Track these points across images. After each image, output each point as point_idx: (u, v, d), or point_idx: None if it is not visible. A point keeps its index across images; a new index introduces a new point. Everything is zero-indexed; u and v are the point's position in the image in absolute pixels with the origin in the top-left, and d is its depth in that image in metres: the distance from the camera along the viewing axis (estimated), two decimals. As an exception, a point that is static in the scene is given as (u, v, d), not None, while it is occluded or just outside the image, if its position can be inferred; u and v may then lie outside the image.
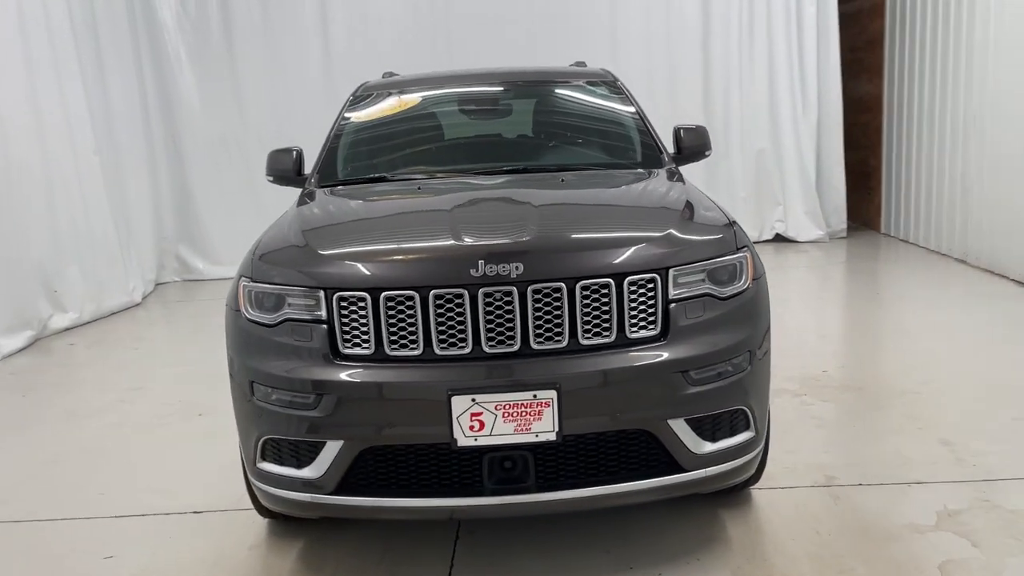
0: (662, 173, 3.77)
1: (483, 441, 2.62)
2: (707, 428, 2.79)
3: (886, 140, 9.45)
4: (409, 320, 2.68)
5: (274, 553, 3.23)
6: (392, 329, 2.69)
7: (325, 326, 2.73)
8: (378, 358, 2.69)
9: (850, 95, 9.58)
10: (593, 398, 2.65)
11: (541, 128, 4.31)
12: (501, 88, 4.53)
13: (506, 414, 2.61)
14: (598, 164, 4.00)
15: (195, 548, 3.30)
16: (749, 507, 3.37)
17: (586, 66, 5.01)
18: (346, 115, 4.32)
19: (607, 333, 2.70)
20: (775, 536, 3.15)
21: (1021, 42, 6.72)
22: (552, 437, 2.63)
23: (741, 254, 2.92)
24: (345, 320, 2.72)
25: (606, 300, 2.70)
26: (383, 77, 4.89)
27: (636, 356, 2.69)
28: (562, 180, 3.64)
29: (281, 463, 2.84)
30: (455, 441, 2.62)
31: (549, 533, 3.22)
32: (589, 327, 2.69)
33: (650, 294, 2.74)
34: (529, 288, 2.67)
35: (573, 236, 2.94)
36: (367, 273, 2.74)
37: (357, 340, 2.71)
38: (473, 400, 2.59)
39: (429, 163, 4.15)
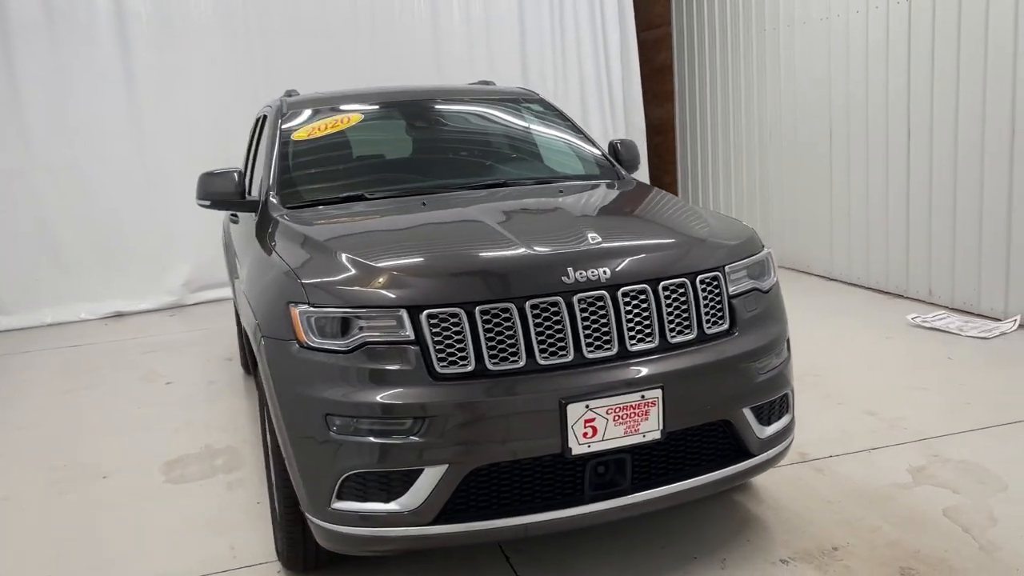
0: (633, 183, 3.95)
1: (596, 447, 2.62)
2: (765, 413, 2.99)
3: (679, 159, 10.38)
4: (508, 332, 2.62)
5: (319, 604, 2.98)
6: (491, 343, 2.61)
7: (416, 346, 2.58)
8: (479, 374, 2.59)
9: (646, 119, 10.41)
10: (691, 394, 2.75)
11: (498, 144, 4.34)
12: (448, 106, 4.48)
13: (616, 417, 2.63)
14: (567, 176, 4.09)
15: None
16: (758, 490, 3.61)
17: (495, 84, 5.08)
18: (286, 133, 4.06)
19: (688, 331, 2.82)
20: (797, 510, 3.41)
21: (802, 64, 7.74)
22: (657, 436, 2.69)
23: (767, 251, 3.17)
24: (438, 338, 2.59)
25: (683, 299, 2.82)
26: (286, 95, 4.64)
27: (720, 350, 2.83)
28: (560, 191, 3.69)
29: (365, 499, 2.63)
30: (569, 450, 2.59)
31: (600, 539, 3.24)
32: (673, 326, 2.79)
33: (716, 291, 2.90)
34: (619, 292, 2.72)
35: (646, 240, 3.03)
36: (457, 288, 2.64)
37: (453, 357, 2.59)
38: (587, 407, 2.59)
39: (399, 181, 4.01)
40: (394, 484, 2.60)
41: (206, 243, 8.78)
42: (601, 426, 2.61)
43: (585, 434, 2.60)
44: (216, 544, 3.45)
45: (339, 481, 2.62)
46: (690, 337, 2.81)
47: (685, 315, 2.82)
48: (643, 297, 2.75)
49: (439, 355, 2.59)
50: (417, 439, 2.54)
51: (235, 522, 3.64)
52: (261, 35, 8.77)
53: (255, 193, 4.00)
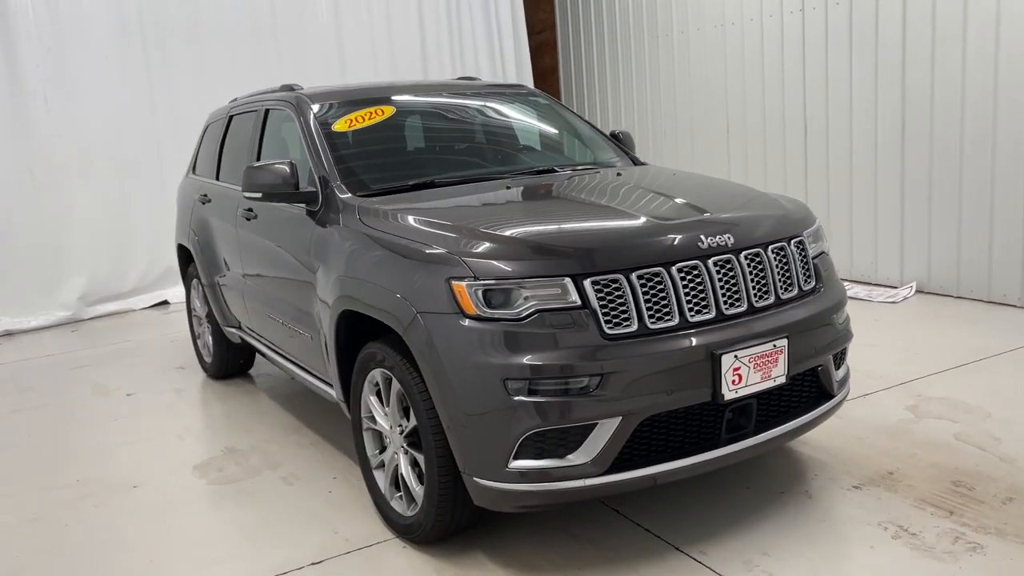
0: (657, 166, 4.32)
1: (741, 392, 2.95)
2: (838, 359, 3.44)
3: (566, 157, 10.89)
4: (661, 294, 2.90)
5: (472, 567, 3.10)
6: (648, 304, 2.87)
7: (584, 310, 2.80)
8: (642, 333, 2.85)
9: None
10: (804, 342, 3.13)
11: (529, 133, 4.56)
12: (471, 100, 4.63)
13: (755, 365, 2.97)
14: (603, 162, 4.39)
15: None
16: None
17: (479, 80, 5.29)
18: (324, 124, 4.08)
19: (792, 288, 3.21)
20: (839, 448, 3.89)
21: (698, 69, 8.47)
22: (783, 380, 3.05)
23: (818, 220, 3.63)
24: (603, 302, 2.82)
25: (785, 261, 3.21)
26: (288, 89, 4.64)
27: (817, 303, 3.24)
28: (618, 174, 3.98)
29: (541, 456, 2.81)
30: (722, 396, 2.90)
31: (684, 489, 3.55)
32: (781, 284, 3.17)
33: (803, 253, 3.31)
34: (741, 255, 3.07)
35: (749, 211, 3.37)
36: (615, 257, 2.88)
37: (618, 319, 2.83)
38: (735, 356, 2.91)
39: (456, 168, 4.16)
40: (570, 439, 2.80)
41: (103, 253, 8.33)
42: (744, 373, 2.94)
43: (733, 381, 2.92)
44: (318, 532, 3.46)
45: (519, 441, 2.78)
46: (794, 293, 3.21)
47: (788, 274, 3.21)
48: (759, 259, 3.11)
49: (606, 317, 2.82)
50: (593, 395, 2.76)
51: (321, 511, 3.65)
52: (157, 38, 8.41)
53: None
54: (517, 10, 10.24)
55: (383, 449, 3.47)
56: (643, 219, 3.12)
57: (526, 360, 2.75)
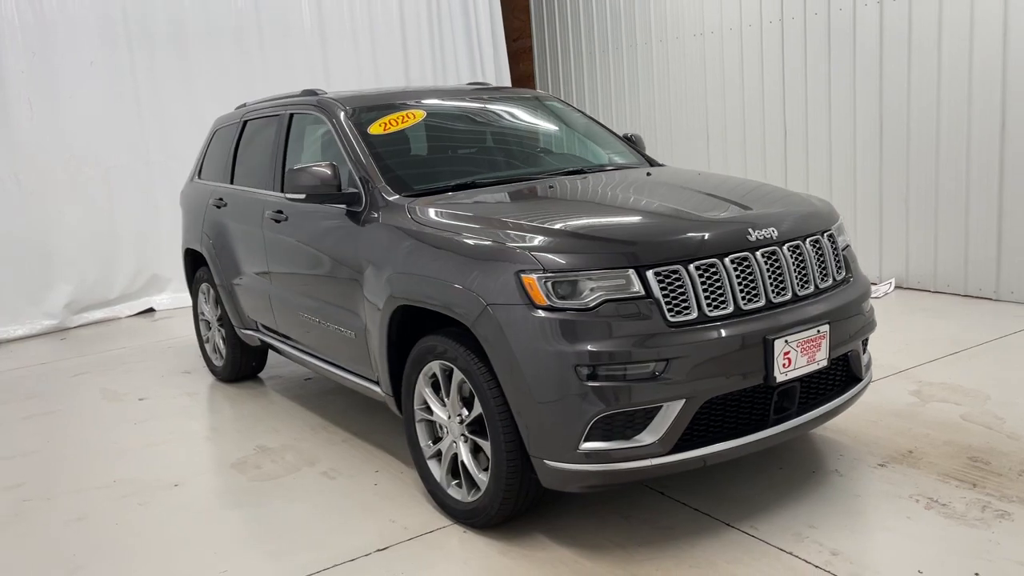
0: (678, 167, 4.53)
1: (790, 375, 3.15)
2: (864, 345, 3.68)
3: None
4: (716, 284, 3.09)
5: (531, 548, 3.24)
6: (706, 294, 3.06)
7: (648, 299, 2.98)
8: (701, 321, 3.03)
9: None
10: (842, 328, 3.35)
11: (554, 136, 4.73)
12: (497, 104, 4.79)
13: (803, 349, 3.18)
14: (625, 164, 4.57)
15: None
16: (814, 419, 4.30)
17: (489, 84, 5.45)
18: (359, 127, 4.20)
19: (827, 278, 3.43)
20: (857, 431, 4.12)
21: (677, 76, 8.75)
22: (825, 363, 3.27)
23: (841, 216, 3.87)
24: (665, 292, 3.00)
25: (820, 252, 3.43)
26: (310, 93, 4.75)
27: (851, 292, 3.47)
28: (648, 174, 4.17)
29: (610, 438, 2.98)
30: (773, 379, 3.10)
31: (723, 471, 3.75)
32: (819, 273, 3.39)
33: (834, 246, 3.54)
34: (785, 246, 3.28)
35: (789, 206, 3.58)
36: (674, 249, 3.06)
37: (679, 308, 3.02)
38: (786, 342, 3.11)
39: (493, 169, 4.33)
40: (637, 421, 2.98)
41: (89, 261, 8.27)
42: (793, 357, 3.15)
43: (783, 365, 3.12)
44: (374, 521, 3.57)
45: (589, 424, 2.94)
46: (829, 283, 3.43)
47: (823, 265, 3.43)
48: (799, 251, 3.33)
49: (668, 306, 3.00)
50: (659, 380, 2.93)
51: (371, 502, 3.76)
52: (143, 43, 8.39)
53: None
54: (496, 17, 10.42)
55: (436, 439, 3.59)
56: (697, 214, 3.32)
57: (596, 347, 2.91)
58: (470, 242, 3.26)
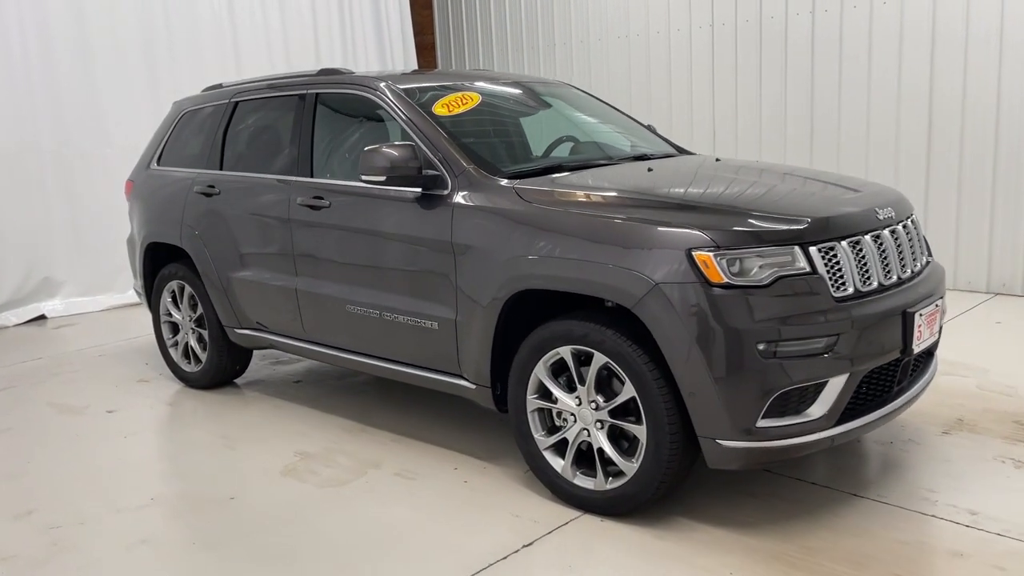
0: (727, 156, 4.65)
1: (920, 347, 3.32)
2: (936, 323, 3.94)
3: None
4: (863, 260, 3.20)
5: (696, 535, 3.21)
6: (858, 268, 3.17)
7: (815, 275, 3.03)
8: (856, 296, 3.13)
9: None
10: (942, 303, 3.57)
11: (600, 122, 4.68)
12: (538, 89, 4.69)
13: (928, 322, 3.36)
14: (681, 152, 4.62)
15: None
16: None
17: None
18: (423, 107, 3.99)
19: (922, 256, 3.64)
20: (912, 412, 4.34)
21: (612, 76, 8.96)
22: (937, 337, 3.48)
23: None
24: (827, 267, 3.07)
25: (917, 232, 3.64)
26: (321, 72, 4.50)
27: (940, 269, 3.71)
28: (717, 160, 4.23)
29: (782, 415, 3.01)
30: (911, 351, 3.26)
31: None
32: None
33: (916, 228, 3.77)
34: (900, 225, 3.45)
35: (884, 189, 3.74)
36: (831, 226, 3.14)
37: (838, 284, 3.10)
38: (920, 315, 3.28)
39: (561, 153, 4.21)
40: (808, 396, 3.03)
41: (8, 257, 7.34)
42: (922, 330, 3.32)
43: (917, 336, 3.28)
44: (495, 518, 3.39)
45: (769, 400, 2.95)
46: (924, 261, 3.64)
47: (921, 244, 3.65)
48: (907, 230, 3.52)
49: (831, 282, 3.07)
50: (830, 354, 3.00)
51: (477, 499, 3.57)
52: (38, 30, 7.51)
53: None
54: (404, 10, 10.20)
55: (552, 429, 3.47)
56: (832, 194, 3.44)
57: (776, 324, 2.94)
58: (624, 222, 3.17)
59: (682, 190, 3.56)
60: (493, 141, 4.21)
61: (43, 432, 4.71)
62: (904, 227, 3.49)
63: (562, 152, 4.42)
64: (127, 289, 7.96)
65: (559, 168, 3.86)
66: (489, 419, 4.39)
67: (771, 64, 7.65)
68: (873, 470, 3.68)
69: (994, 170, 6.65)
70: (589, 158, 4.21)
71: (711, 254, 2.96)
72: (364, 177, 3.73)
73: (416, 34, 10.79)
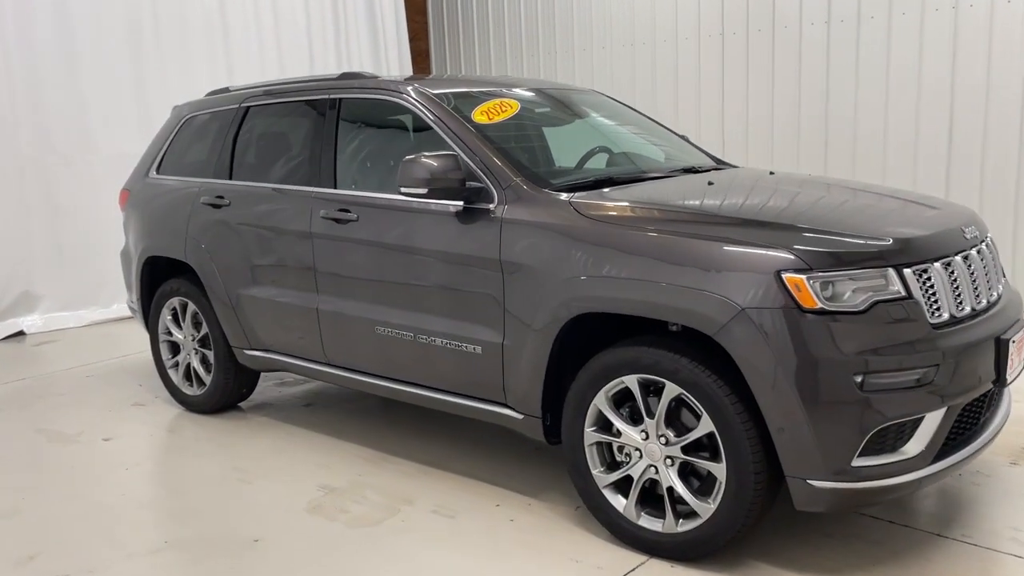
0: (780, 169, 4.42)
1: (1012, 377, 3.09)
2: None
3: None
4: (954, 282, 2.96)
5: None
6: (951, 292, 2.92)
7: (911, 300, 2.79)
8: (952, 322, 2.89)
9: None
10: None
11: (639, 133, 4.42)
12: (574, 98, 4.43)
13: (1018, 349, 3.12)
14: (728, 164, 4.38)
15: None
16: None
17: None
18: (462, 114, 3.70)
19: (1001, 279, 3.42)
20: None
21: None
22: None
23: None
24: (923, 291, 2.83)
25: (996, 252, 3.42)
26: (342, 77, 4.20)
27: (1016, 292, 3.47)
28: (771, 172, 3.97)
29: (879, 452, 2.75)
30: (1005, 381, 3.02)
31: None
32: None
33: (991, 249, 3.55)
34: (983, 244, 3.22)
35: (958, 207, 3.51)
36: (923, 247, 2.90)
37: (933, 308, 2.85)
38: (1012, 342, 3.04)
39: (615, 163, 3.94)
40: (905, 432, 2.77)
41: None
42: (1014, 359, 3.08)
43: (1010, 365, 3.05)
44: (555, 563, 3.10)
45: (866, 437, 2.69)
46: (1004, 282, 3.42)
47: (999, 266, 3.42)
48: (989, 250, 3.29)
49: (928, 307, 2.83)
50: (928, 386, 2.75)
51: (531, 542, 3.27)
52: (21, 34, 7.11)
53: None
54: (400, 15, 9.90)
55: (612, 464, 3.19)
56: (915, 213, 3.20)
57: (875, 353, 2.69)
58: (702, 240, 2.90)
59: (755, 206, 3.30)
60: (535, 151, 3.93)
61: (35, 463, 4.34)
62: (987, 247, 3.27)
63: (597, 163, 4.15)
64: (111, 303, 7.54)
65: (610, 181, 3.58)
66: (522, 447, 4.10)
67: (783, 66, 7.46)
68: (948, 506, 3.44)
69: (1017, 181, 6.50)
70: (640, 170, 3.94)
71: (803, 277, 2.70)
72: (403, 189, 3.42)
73: (409, 40, 10.49)
